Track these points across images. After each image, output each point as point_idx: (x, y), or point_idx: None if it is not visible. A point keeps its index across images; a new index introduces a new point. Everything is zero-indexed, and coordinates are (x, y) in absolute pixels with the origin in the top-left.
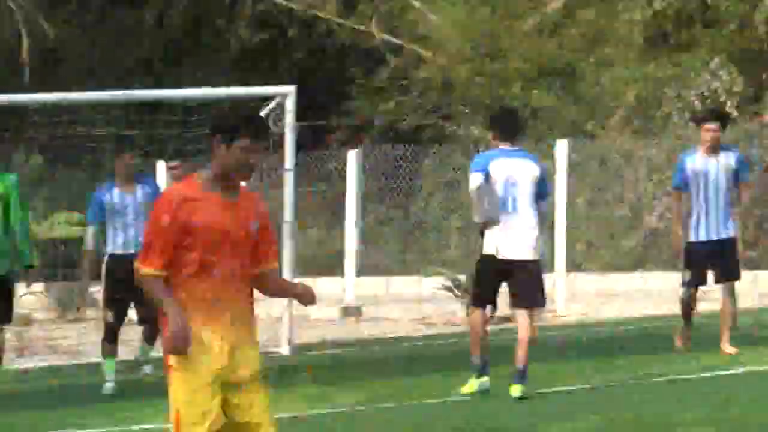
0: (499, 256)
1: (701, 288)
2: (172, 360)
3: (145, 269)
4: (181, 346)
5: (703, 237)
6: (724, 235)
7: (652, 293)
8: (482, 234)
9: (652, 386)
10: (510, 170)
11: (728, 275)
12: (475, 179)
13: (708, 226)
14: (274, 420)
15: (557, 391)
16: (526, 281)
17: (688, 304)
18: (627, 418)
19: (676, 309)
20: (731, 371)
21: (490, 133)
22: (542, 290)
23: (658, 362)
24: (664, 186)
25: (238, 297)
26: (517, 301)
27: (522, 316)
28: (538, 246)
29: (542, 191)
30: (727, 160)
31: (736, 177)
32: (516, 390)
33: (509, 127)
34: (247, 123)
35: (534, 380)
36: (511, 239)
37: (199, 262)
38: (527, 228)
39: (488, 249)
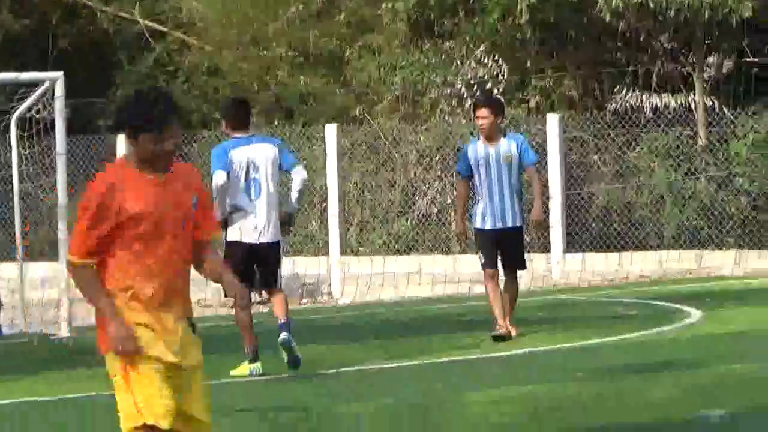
0: (245, 241)
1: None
2: (118, 359)
3: (73, 258)
4: (129, 349)
5: (488, 225)
6: (509, 224)
7: (425, 276)
8: (225, 226)
9: (441, 366)
10: (249, 157)
11: (512, 265)
12: (219, 177)
13: (493, 214)
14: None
15: (348, 372)
16: (269, 265)
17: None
18: (417, 399)
19: (449, 290)
20: (515, 351)
21: (223, 123)
22: (279, 274)
23: (445, 342)
24: (434, 170)
25: (179, 281)
26: (263, 282)
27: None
28: (278, 229)
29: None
30: (508, 147)
31: (524, 163)
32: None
33: (241, 116)
34: (144, 120)
35: (322, 361)
36: (256, 224)
37: (136, 248)
38: (271, 211)
39: (232, 236)
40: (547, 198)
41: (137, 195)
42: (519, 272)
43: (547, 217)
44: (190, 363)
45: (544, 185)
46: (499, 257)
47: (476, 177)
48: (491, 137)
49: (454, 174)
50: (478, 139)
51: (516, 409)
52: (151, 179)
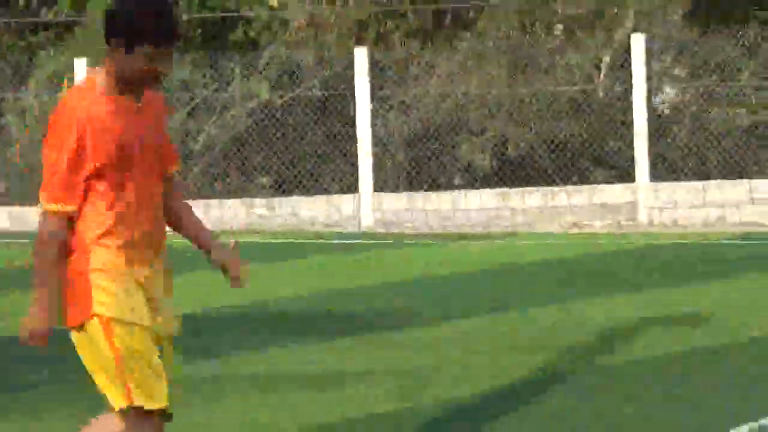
0: None
1: None
2: (101, 308)
3: (49, 205)
4: (37, 345)
5: None
6: None
7: None
8: None
9: None
10: None
11: None
12: None
13: None
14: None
15: None
16: None
17: None
18: None
19: None
20: None
21: None
22: None
23: None
24: None
25: (156, 225)
26: None
27: None
28: None
29: None
30: None
31: None
32: None
33: None
34: (152, 26)
35: None
36: None
37: (111, 185)
38: None
39: None
40: None
41: (112, 122)
42: None
43: None
44: (168, 330)
45: None
46: None
47: None
48: None
49: None
50: None
51: None
52: (126, 105)
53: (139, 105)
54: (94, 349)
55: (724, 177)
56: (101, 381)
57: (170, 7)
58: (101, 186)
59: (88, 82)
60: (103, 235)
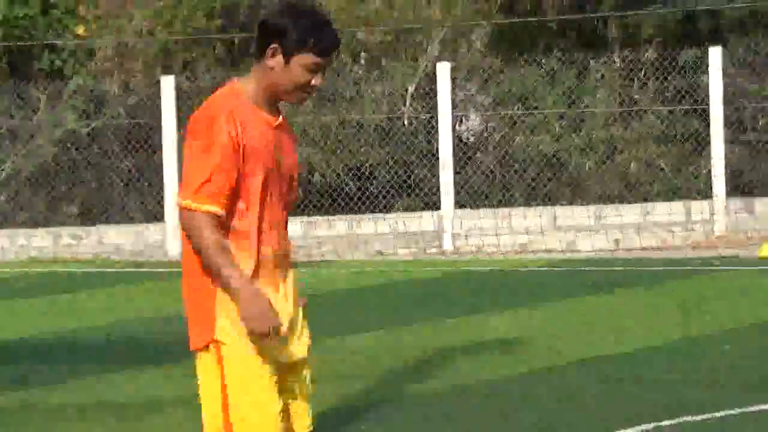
0: None
1: None
2: (221, 334)
3: (198, 203)
4: (270, 326)
5: None
6: None
7: None
8: None
9: None
10: None
11: None
12: None
13: None
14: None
15: None
16: None
17: None
18: None
19: None
20: None
21: None
22: None
23: None
24: None
25: (288, 247)
26: None
27: None
28: None
29: None
30: None
31: None
32: None
33: None
34: (315, 36)
35: None
36: None
37: (248, 199)
38: None
39: None
40: None
41: (259, 134)
42: None
43: None
44: (302, 354)
45: None
46: None
47: None
48: None
49: None
50: None
51: None
52: (268, 119)
53: (279, 123)
54: (206, 377)
55: (528, 204)
56: (206, 409)
57: (329, 18)
58: (238, 198)
59: (233, 91)
60: (236, 251)
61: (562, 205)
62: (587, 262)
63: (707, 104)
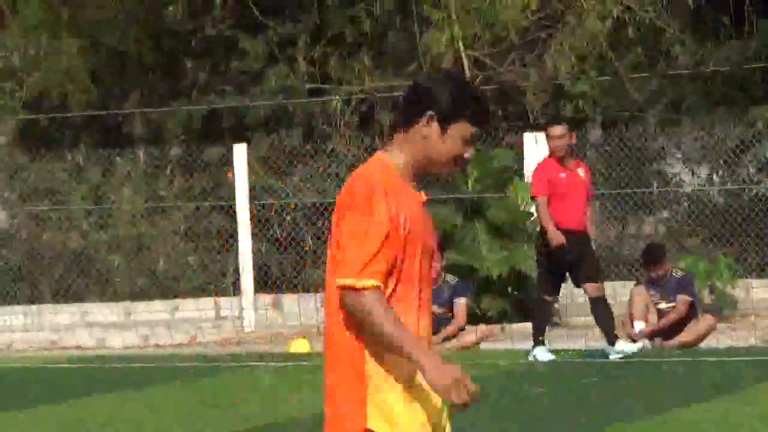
0: None
1: None
2: (373, 422)
3: (364, 281)
4: (467, 394)
5: None
6: None
7: None
8: None
9: None
10: None
11: None
12: None
13: None
14: None
15: None
16: None
17: None
18: None
19: None
20: None
21: None
22: None
23: None
24: None
25: (430, 331)
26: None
27: None
28: None
29: None
30: None
31: None
32: None
33: None
34: (475, 102)
35: None
36: None
37: (401, 276)
38: None
39: None
40: None
41: (414, 212)
42: None
43: None
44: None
45: None
46: None
47: None
48: None
49: None
50: None
51: None
52: (418, 196)
53: (423, 198)
54: None
55: (56, 300)
56: None
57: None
58: (395, 278)
59: (383, 166)
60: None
61: (91, 301)
62: (118, 358)
63: (233, 200)
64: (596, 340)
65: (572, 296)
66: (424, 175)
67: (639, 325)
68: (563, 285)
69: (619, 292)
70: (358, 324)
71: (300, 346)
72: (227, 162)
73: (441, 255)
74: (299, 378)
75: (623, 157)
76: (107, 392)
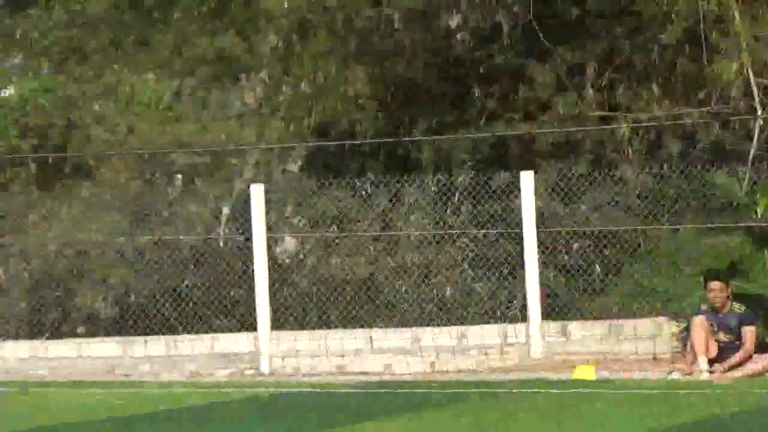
0: None
1: None
2: None
3: None
4: None
5: None
6: None
7: None
8: None
9: None
10: None
11: None
12: None
13: None
14: None
15: None
16: None
17: None
18: None
19: None
20: None
21: None
22: None
23: None
24: None
25: None
26: None
27: None
28: None
29: None
30: None
31: None
32: None
33: None
34: None
35: None
36: None
37: None
38: None
39: None
40: None
41: None
42: None
43: None
44: None
45: None
46: None
47: None
48: None
49: None
50: None
51: None
52: None
53: None
54: None
55: (344, 326)
56: None
57: None
58: None
59: None
60: None
61: (378, 326)
62: (403, 384)
63: (520, 228)
64: None
65: None
66: (707, 203)
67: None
68: None
69: None
70: None
71: (585, 372)
72: (515, 189)
73: (728, 283)
74: (576, 406)
75: None
76: (387, 417)
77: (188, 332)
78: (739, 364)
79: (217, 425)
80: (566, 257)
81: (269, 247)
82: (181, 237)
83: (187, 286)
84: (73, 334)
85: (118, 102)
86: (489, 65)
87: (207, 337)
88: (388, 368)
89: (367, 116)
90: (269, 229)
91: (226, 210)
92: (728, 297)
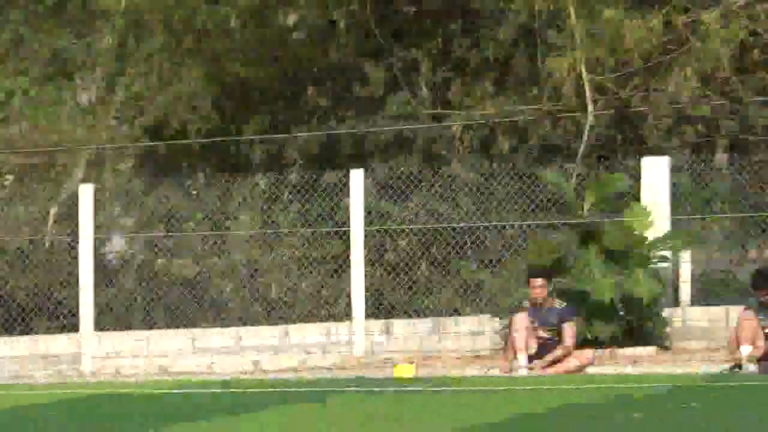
0: None
1: None
2: None
3: None
4: None
5: None
6: None
7: None
8: None
9: None
10: None
11: None
12: None
13: None
14: None
15: None
16: None
17: None
18: None
19: None
20: None
21: None
22: None
23: None
24: None
25: None
26: None
27: None
28: None
29: None
30: None
31: None
32: None
33: None
34: None
35: None
36: None
37: None
38: None
39: None
40: None
41: None
42: None
43: None
44: None
45: None
46: None
47: None
48: None
49: None
50: None
51: None
52: None
53: None
54: None
55: (168, 326)
56: None
57: None
58: None
59: None
60: None
61: (202, 326)
62: (227, 383)
63: (348, 226)
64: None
65: (684, 321)
66: (536, 200)
67: (746, 349)
68: (674, 309)
69: (733, 316)
70: None
71: (404, 370)
72: (344, 188)
73: (550, 279)
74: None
75: (747, 181)
76: (206, 419)
77: (9, 334)
78: (559, 360)
79: (37, 428)
80: (393, 255)
81: (97, 248)
82: (6, 238)
83: (10, 288)
84: None
85: None
86: (324, 63)
87: (27, 339)
88: (211, 368)
89: (200, 116)
90: (98, 229)
91: (53, 211)
92: (550, 293)
